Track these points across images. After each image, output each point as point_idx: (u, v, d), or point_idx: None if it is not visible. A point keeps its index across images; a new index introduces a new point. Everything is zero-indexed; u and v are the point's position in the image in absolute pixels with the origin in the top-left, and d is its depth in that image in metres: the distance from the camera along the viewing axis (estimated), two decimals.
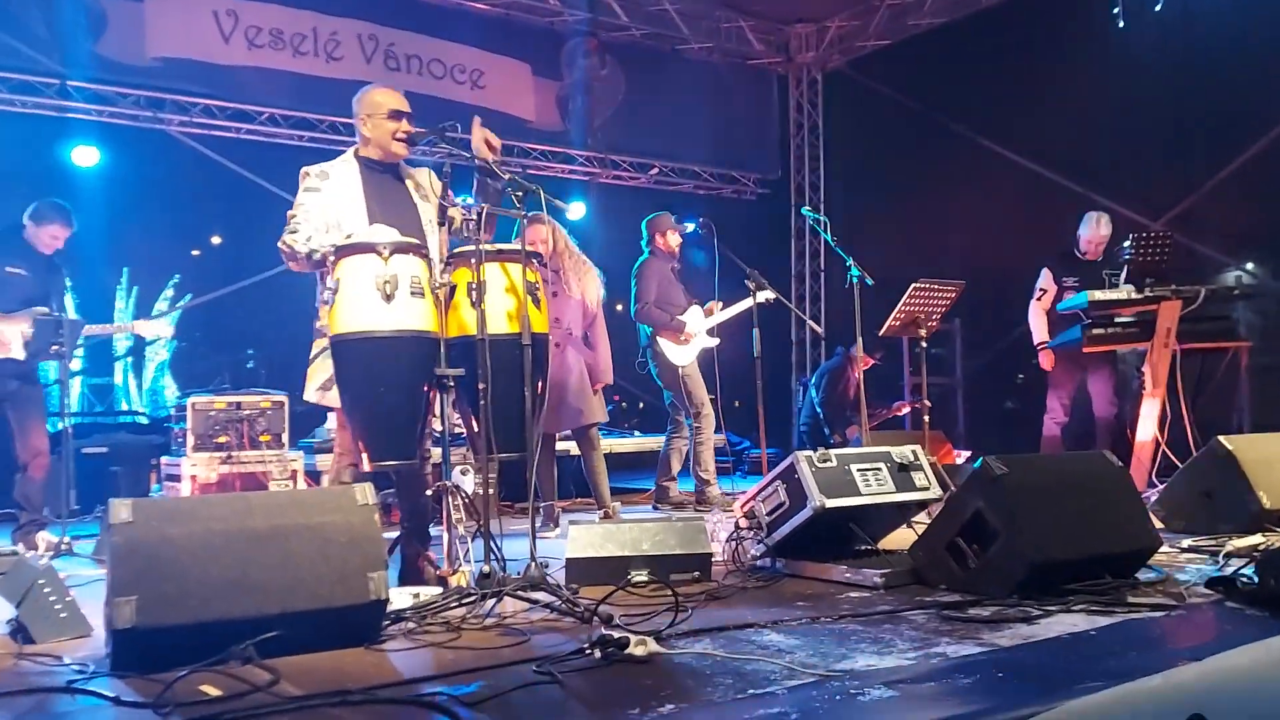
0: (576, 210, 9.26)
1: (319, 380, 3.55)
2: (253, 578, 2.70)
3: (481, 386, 3.23)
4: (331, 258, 3.35)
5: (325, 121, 8.29)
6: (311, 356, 3.63)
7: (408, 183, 3.80)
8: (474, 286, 3.35)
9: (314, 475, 5.91)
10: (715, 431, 6.36)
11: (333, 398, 3.51)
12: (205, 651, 2.56)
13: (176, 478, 5.51)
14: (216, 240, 9.67)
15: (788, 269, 10.32)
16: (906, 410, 8.07)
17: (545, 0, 8.97)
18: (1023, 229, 8.42)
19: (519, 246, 3.43)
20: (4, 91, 7.21)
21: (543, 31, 9.17)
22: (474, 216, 3.33)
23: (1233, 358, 6.06)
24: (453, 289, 3.44)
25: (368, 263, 3.28)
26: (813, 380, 8.08)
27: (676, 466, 6.39)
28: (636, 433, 8.65)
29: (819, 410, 7.92)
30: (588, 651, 2.58)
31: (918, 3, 9.31)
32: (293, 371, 7.70)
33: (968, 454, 7.35)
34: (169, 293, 9.43)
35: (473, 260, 3.38)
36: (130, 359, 9.62)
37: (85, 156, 7.56)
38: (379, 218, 3.52)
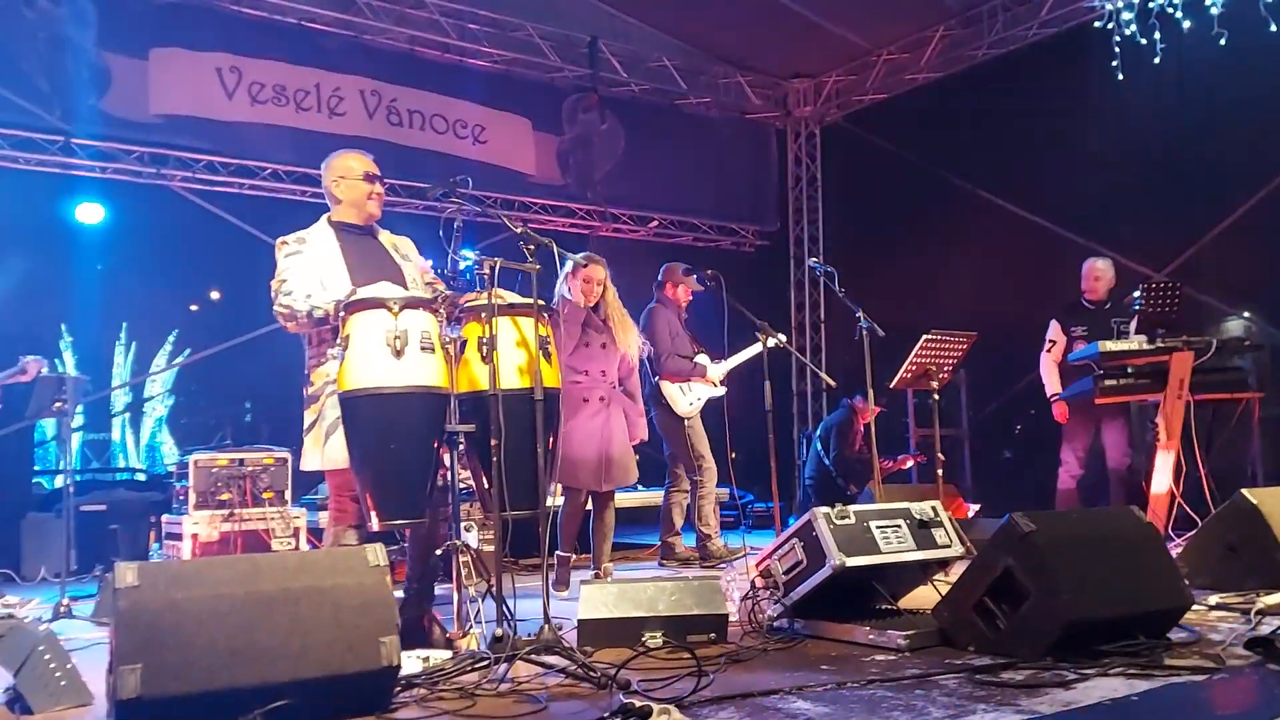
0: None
1: (314, 445, 3.48)
2: (261, 644, 2.60)
3: (494, 443, 3.15)
4: (341, 314, 3.30)
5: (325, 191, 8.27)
6: (306, 426, 3.55)
7: (385, 244, 3.81)
8: (484, 341, 3.30)
9: (317, 533, 5.78)
10: (720, 485, 6.30)
11: (327, 459, 3.43)
12: None
13: (178, 536, 5.40)
14: (216, 295, 9.65)
15: (788, 320, 10.31)
16: (911, 464, 7.99)
17: (545, 56, 9.05)
18: (1024, 280, 8.43)
19: (532, 300, 3.37)
20: (6, 148, 7.21)
21: (543, 87, 9.23)
22: (485, 270, 3.27)
23: (1244, 409, 6.00)
24: (463, 344, 3.39)
25: (378, 318, 3.23)
26: (818, 434, 7.99)
27: (679, 521, 6.31)
28: (639, 487, 8.53)
29: (829, 466, 7.83)
30: None
31: (914, 58, 9.41)
32: (293, 426, 7.65)
33: (977, 507, 7.26)
34: (167, 347, 9.39)
35: (483, 315, 3.33)
36: (128, 414, 9.54)
37: (89, 213, 7.54)
38: (360, 279, 3.48)
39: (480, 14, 8.67)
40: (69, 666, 2.97)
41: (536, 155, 9.21)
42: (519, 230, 3.35)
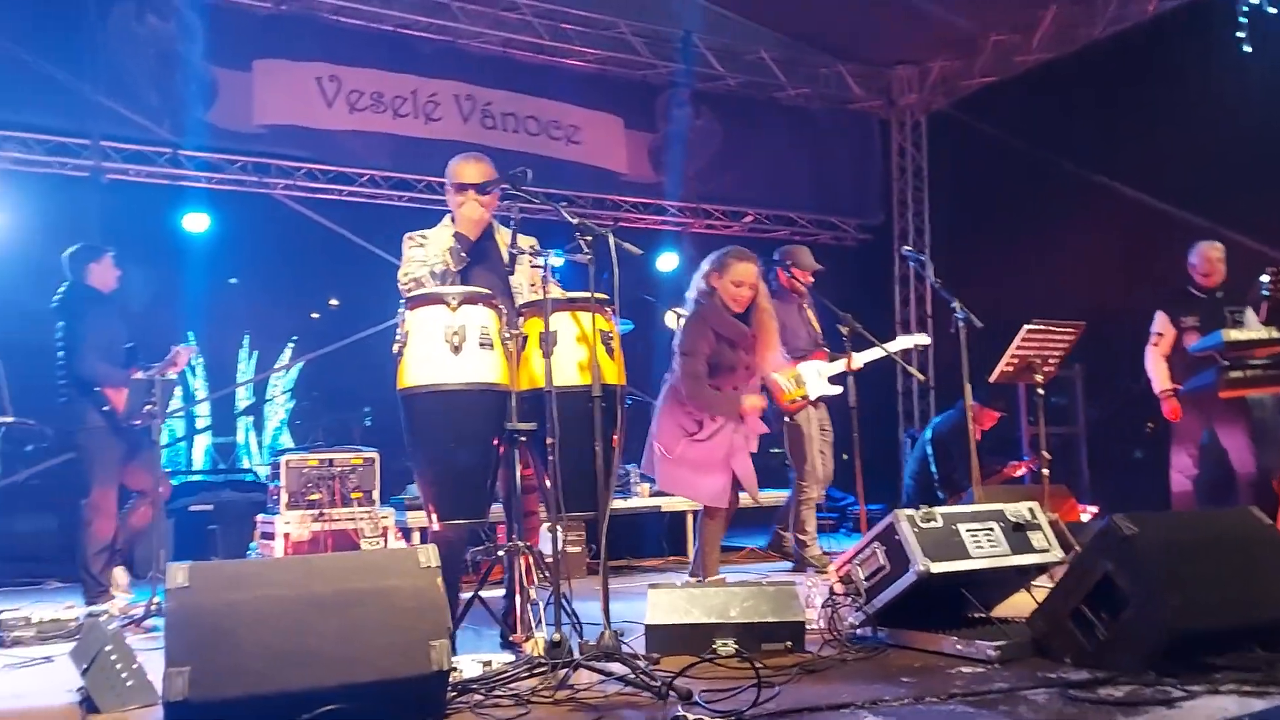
0: (669, 261, 9.14)
1: None
2: (312, 647, 2.55)
3: (550, 441, 3.05)
4: (402, 310, 3.27)
5: (422, 181, 8.39)
6: None
7: (500, 243, 3.78)
8: (544, 336, 3.21)
9: (405, 532, 5.83)
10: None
11: None
12: None
13: (271, 535, 5.49)
14: (334, 302, 9.89)
15: (892, 316, 9.94)
16: (1023, 471, 7.56)
17: (638, 54, 8.96)
18: (1143, 266, 7.92)
19: (590, 294, 3.26)
20: (119, 160, 7.49)
21: (635, 84, 9.15)
22: (542, 264, 3.18)
23: None
24: (524, 340, 3.30)
25: (436, 314, 3.17)
26: (928, 435, 7.65)
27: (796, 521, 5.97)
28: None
29: (934, 468, 7.49)
30: None
31: (1024, 39, 8.97)
32: (351, 422, 7.72)
33: (1094, 510, 6.83)
34: (286, 354, 9.66)
35: (543, 309, 3.24)
36: (251, 418, 9.85)
37: (195, 223, 7.78)
38: (474, 279, 3.47)
39: (573, 13, 8.63)
40: (135, 666, 3.00)
41: (629, 153, 9.13)
42: (574, 221, 3.24)
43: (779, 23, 9.44)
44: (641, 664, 2.93)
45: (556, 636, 2.95)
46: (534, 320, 3.30)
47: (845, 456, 7.68)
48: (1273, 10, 6.98)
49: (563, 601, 3.12)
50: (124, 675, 2.94)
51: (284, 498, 5.47)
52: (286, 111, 7.96)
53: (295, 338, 9.58)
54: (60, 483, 7.18)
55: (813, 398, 5.71)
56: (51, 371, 5.24)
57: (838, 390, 5.69)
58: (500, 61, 8.68)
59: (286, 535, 5.41)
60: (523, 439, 3.21)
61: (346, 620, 2.61)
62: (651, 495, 6.64)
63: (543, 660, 2.94)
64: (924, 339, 6.06)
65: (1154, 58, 7.99)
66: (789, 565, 5.96)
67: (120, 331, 5.25)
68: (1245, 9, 7.12)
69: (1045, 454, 5.29)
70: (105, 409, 4.98)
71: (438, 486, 3.15)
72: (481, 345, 3.15)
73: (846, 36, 9.53)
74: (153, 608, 4.56)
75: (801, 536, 5.77)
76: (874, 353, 5.58)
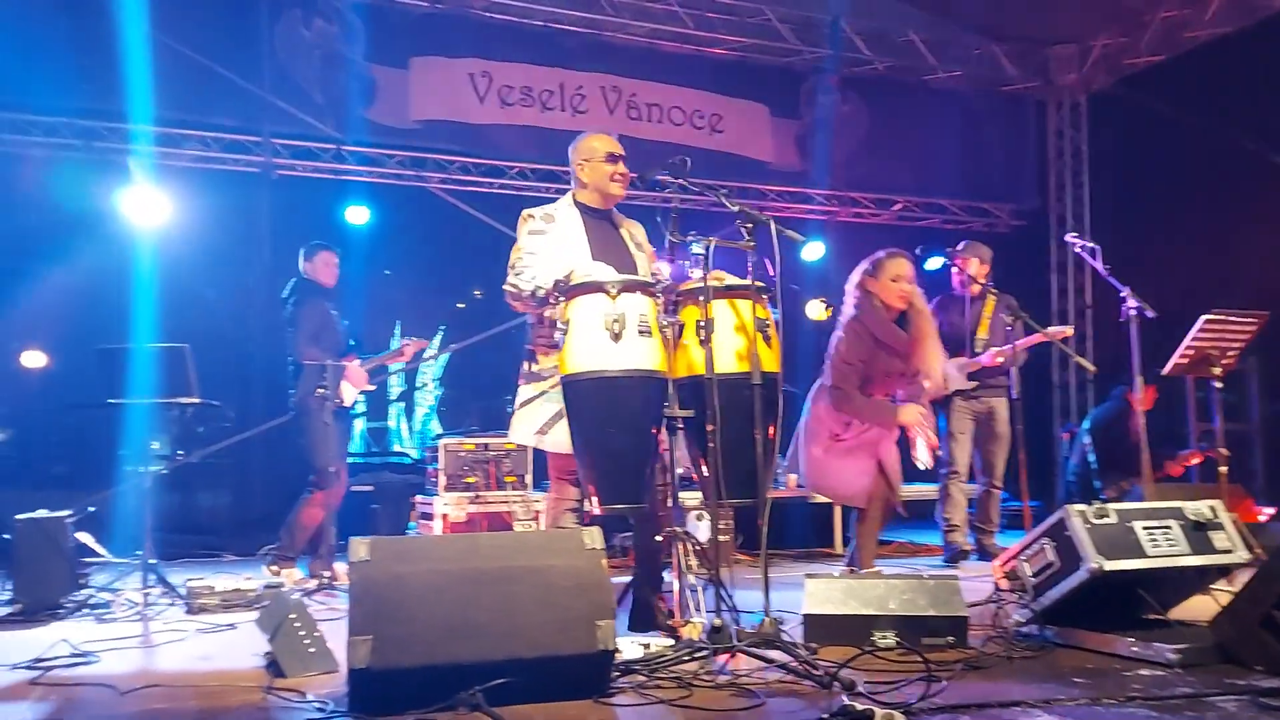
0: (815, 250, 9.02)
1: (534, 424, 3.52)
2: (479, 621, 2.65)
3: (710, 428, 3.07)
4: (559, 296, 3.33)
5: (569, 173, 8.49)
6: (520, 402, 3.61)
7: (623, 231, 3.81)
8: (702, 325, 3.22)
9: None
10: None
11: (550, 442, 3.48)
12: (435, 694, 2.53)
13: (430, 516, 5.70)
14: (478, 293, 10.15)
15: (1048, 305, 9.54)
16: (1198, 461, 7.15)
17: (783, 40, 8.86)
18: None
19: (749, 281, 3.26)
20: (287, 156, 7.89)
21: (780, 71, 9.05)
22: (701, 250, 3.19)
23: None
24: (680, 328, 3.32)
25: (597, 302, 3.22)
26: (1086, 427, 7.33)
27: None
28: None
29: (1090, 461, 7.18)
30: None
31: (1197, 13, 8.45)
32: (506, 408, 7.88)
33: (1272, 511, 6.42)
34: (436, 342, 9.99)
35: (700, 297, 3.25)
36: (403, 404, 10.24)
37: (357, 215, 8.12)
38: (601, 260, 3.48)
39: (719, 1, 8.61)
40: (317, 634, 3.16)
41: (774, 142, 9.06)
42: (735, 209, 3.23)
43: (930, 3, 9.19)
44: (802, 653, 2.91)
45: (718, 622, 2.97)
46: (690, 308, 3.32)
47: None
48: None
49: (721, 588, 3.14)
50: (307, 643, 3.11)
51: (442, 480, 5.67)
52: (441, 107, 8.22)
53: (444, 326, 9.88)
54: (235, 461, 7.67)
55: (947, 391, 5.63)
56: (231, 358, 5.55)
57: (973, 384, 5.72)
58: (645, 52, 8.73)
59: (445, 516, 5.61)
60: (681, 426, 3.23)
61: (511, 596, 2.69)
62: (799, 486, 6.60)
63: (704, 645, 2.96)
64: (1067, 330, 5.80)
65: None
66: (941, 560, 5.88)
67: (336, 321, 5.49)
68: None
69: (1223, 451, 5.00)
70: (320, 393, 5.18)
71: (599, 472, 3.21)
72: (641, 333, 3.18)
73: (1001, 15, 9.17)
74: (324, 581, 4.80)
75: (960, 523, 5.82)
76: (1009, 349, 5.42)
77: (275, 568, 5.13)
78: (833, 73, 8.98)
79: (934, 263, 5.88)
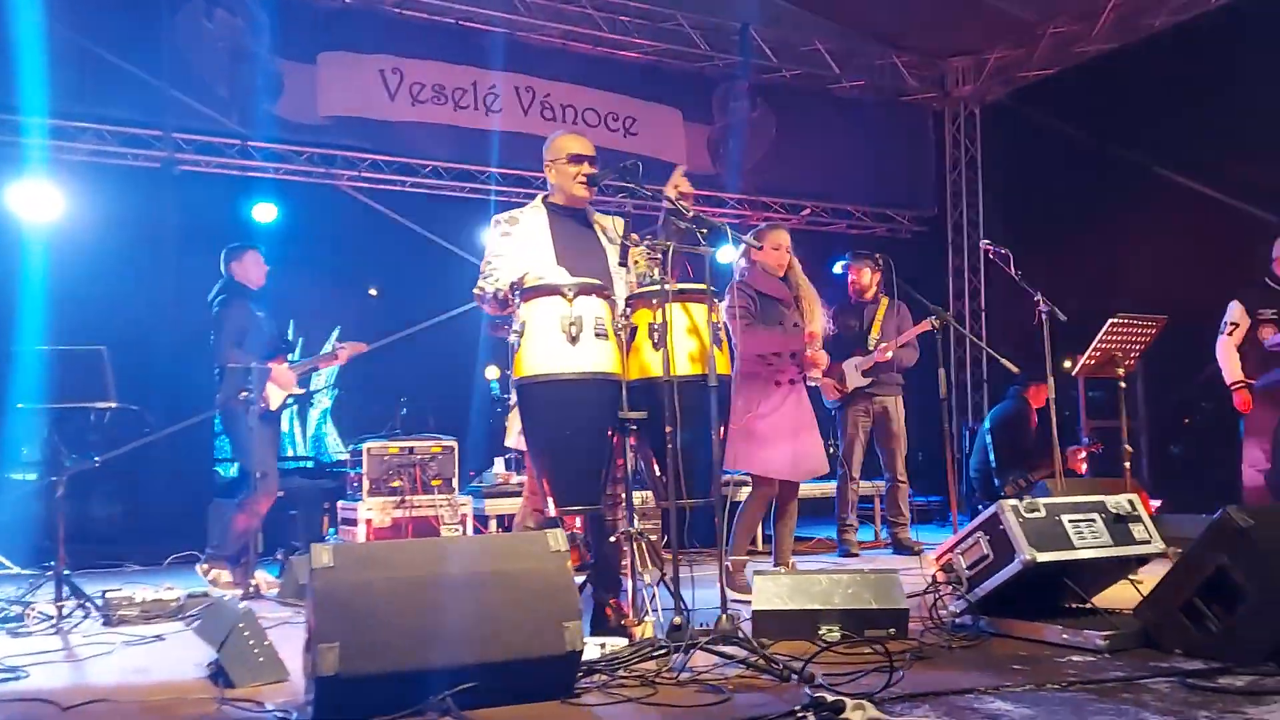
0: (730, 254, 9.16)
1: (516, 426, 3.54)
2: (447, 625, 2.64)
3: (669, 430, 3.12)
4: (515, 298, 3.34)
5: (485, 172, 8.47)
6: (512, 403, 3.62)
7: (595, 228, 3.81)
8: (655, 328, 3.28)
9: (483, 520, 5.92)
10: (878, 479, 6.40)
11: (523, 442, 3.48)
12: (404, 700, 2.52)
13: (352, 521, 5.60)
14: (373, 291, 9.96)
15: (945, 308, 9.89)
16: (1084, 455, 7.57)
17: (696, 46, 8.99)
18: (1204, 261, 7.85)
19: (704, 285, 3.33)
20: (191, 152, 7.62)
21: (693, 76, 9.19)
22: (658, 255, 3.24)
23: None
24: (634, 330, 3.37)
25: (553, 305, 3.24)
26: (988, 426, 7.67)
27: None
28: None
29: (990, 458, 7.51)
30: (799, 714, 2.42)
31: (1084, 29, 8.91)
32: (446, 419, 7.84)
33: (1159, 503, 6.83)
34: (332, 341, 9.77)
35: (654, 301, 3.31)
36: (296, 407, 9.99)
37: (263, 213, 7.91)
38: (566, 261, 3.50)
39: (632, 5, 8.68)
40: (266, 644, 3.10)
41: (687, 145, 9.17)
42: (689, 214, 3.29)
43: (834, 13, 9.45)
44: (761, 649, 2.99)
45: (677, 620, 3.03)
46: (642, 310, 3.37)
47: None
48: None
49: (673, 587, 3.20)
50: (256, 652, 3.04)
51: (366, 484, 5.58)
52: (350, 103, 8.07)
53: (339, 326, 9.68)
54: (133, 467, 7.36)
55: (847, 390, 6.15)
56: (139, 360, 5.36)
57: (868, 380, 6.14)
58: (559, 53, 8.74)
59: (369, 521, 5.52)
60: (634, 428, 3.28)
61: (480, 600, 2.69)
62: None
63: (663, 643, 3.01)
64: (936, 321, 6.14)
65: (1220, 49, 7.91)
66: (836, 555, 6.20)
67: (261, 323, 5.34)
68: None
69: (1127, 447, 5.30)
70: (243, 396, 5.03)
71: (556, 474, 3.23)
72: (597, 335, 3.22)
73: (901, 27, 9.52)
74: (250, 589, 4.68)
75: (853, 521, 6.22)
76: (896, 341, 6.05)
77: (205, 566, 4.98)
78: (743, 79, 9.15)
79: (841, 266, 6.49)
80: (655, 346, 3.25)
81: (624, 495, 3.42)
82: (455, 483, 5.75)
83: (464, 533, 5.62)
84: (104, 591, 4.38)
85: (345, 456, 8.34)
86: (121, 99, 7.27)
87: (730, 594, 3.90)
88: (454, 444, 5.77)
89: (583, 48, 8.77)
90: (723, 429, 3.30)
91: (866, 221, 9.92)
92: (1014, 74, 9.66)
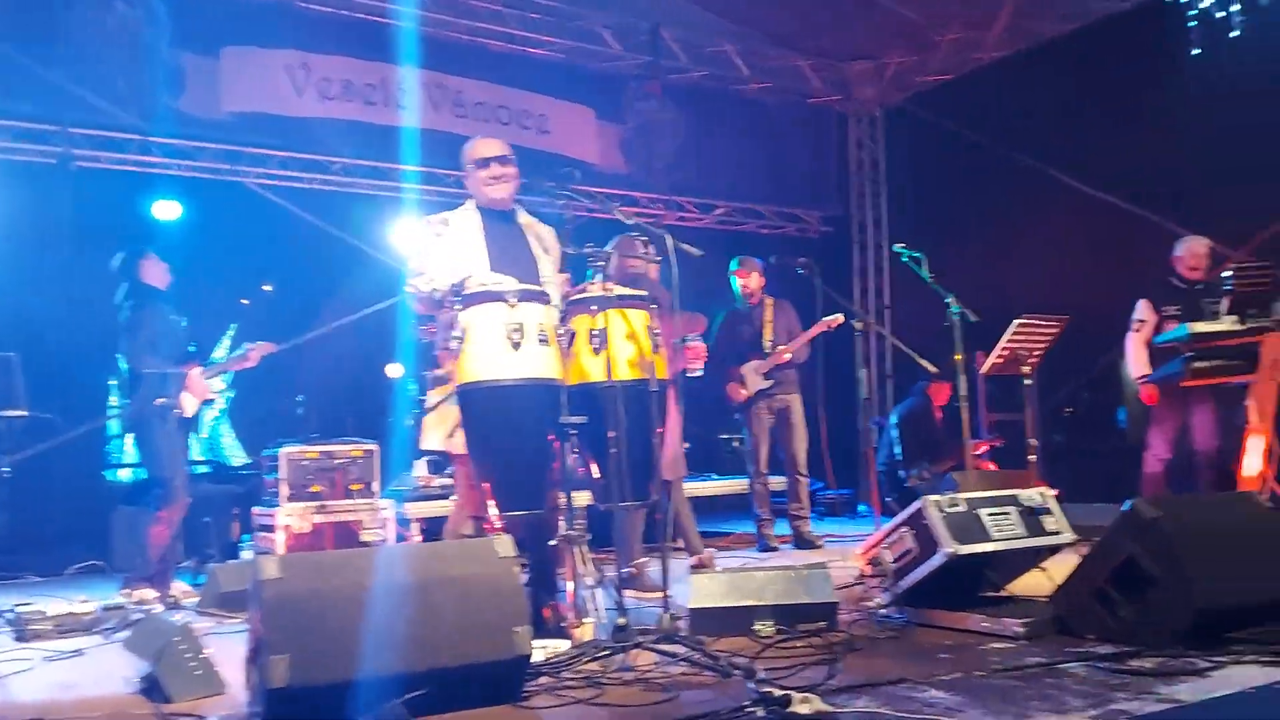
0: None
1: (444, 428, 3.53)
2: (399, 633, 2.65)
3: (612, 434, 3.18)
4: (455, 302, 3.34)
5: (397, 170, 8.37)
6: (430, 405, 3.61)
7: (529, 234, 3.83)
8: (595, 334, 3.33)
9: (404, 524, 5.88)
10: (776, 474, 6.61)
11: (455, 445, 3.49)
12: (354, 709, 2.52)
13: (270, 528, 5.49)
14: (267, 287, 9.72)
15: (851, 307, 10.20)
16: (985, 449, 7.91)
17: (607, 45, 9.04)
18: (1096, 264, 8.28)
19: (643, 292, 3.39)
20: (89, 148, 7.35)
21: (605, 76, 9.24)
22: (599, 263, 3.29)
23: None
24: (572, 336, 3.41)
25: (496, 311, 3.26)
26: (891, 419, 7.95)
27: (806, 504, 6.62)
28: (713, 475, 8.58)
29: (896, 453, 7.78)
30: (749, 709, 2.50)
31: (979, 36, 9.25)
32: (344, 421, 7.72)
33: (1056, 492, 7.16)
34: (226, 341, 9.51)
35: (593, 307, 3.36)
36: None
37: (166, 210, 7.67)
38: (499, 264, 3.52)
39: (542, 3, 8.68)
40: (203, 656, 3.05)
41: (600, 144, 9.22)
42: (632, 223, 3.35)
43: (740, 16, 9.59)
44: (704, 647, 3.07)
45: (621, 620, 3.09)
46: (581, 317, 3.41)
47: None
48: (1221, 14, 7.32)
49: (614, 588, 3.27)
50: (193, 665, 2.99)
51: (284, 490, 5.48)
52: (256, 99, 7.88)
53: (234, 325, 9.44)
54: (26, 475, 7.06)
55: (751, 393, 6.35)
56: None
57: (769, 382, 6.35)
58: (470, 50, 8.68)
59: (287, 528, 5.43)
60: (574, 432, 3.32)
61: (431, 607, 2.71)
62: None
63: (606, 644, 3.07)
64: (838, 318, 6.41)
65: (1108, 57, 8.32)
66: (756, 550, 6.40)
67: (175, 326, 5.19)
68: (1194, 12, 7.46)
69: (1032, 441, 5.56)
70: (160, 403, 4.88)
71: (499, 479, 3.25)
72: (540, 341, 3.25)
73: (805, 30, 9.70)
74: (170, 601, 4.57)
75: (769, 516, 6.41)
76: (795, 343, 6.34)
77: (128, 590, 4.82)
78: (653, 79, 9.23)
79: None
80: (595, 352, 3.30)
81: (563, 498, 3.45)
82: (376, 486, 5.69)
83: (385, 538, 5.57)
84: (15, 605, 4.22)
85: (247, 460, 8.18)
86: (15, 92, 6.97)
87: (639, 595, 4.02)
88: (374, 448, 5.71)
89: (494, 45, 8.73)
90: (661, 432, 3.38)
91: (776, 221, 10.13)
92: (913, 79, 9.97)
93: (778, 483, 6.67)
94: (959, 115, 9.52)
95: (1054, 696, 2.59)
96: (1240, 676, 2.68)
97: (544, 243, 3.85)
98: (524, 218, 3.88)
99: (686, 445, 5.35)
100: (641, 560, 4.75)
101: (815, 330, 6.31)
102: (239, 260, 8.64)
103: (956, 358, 6.15)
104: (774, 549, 6.29)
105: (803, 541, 6.39)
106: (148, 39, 7.39)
